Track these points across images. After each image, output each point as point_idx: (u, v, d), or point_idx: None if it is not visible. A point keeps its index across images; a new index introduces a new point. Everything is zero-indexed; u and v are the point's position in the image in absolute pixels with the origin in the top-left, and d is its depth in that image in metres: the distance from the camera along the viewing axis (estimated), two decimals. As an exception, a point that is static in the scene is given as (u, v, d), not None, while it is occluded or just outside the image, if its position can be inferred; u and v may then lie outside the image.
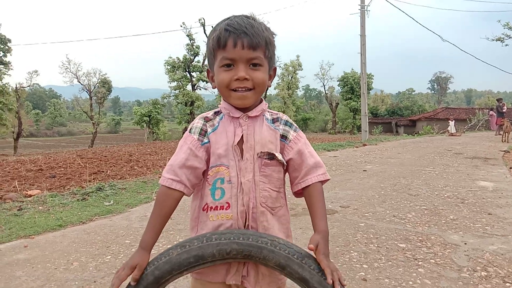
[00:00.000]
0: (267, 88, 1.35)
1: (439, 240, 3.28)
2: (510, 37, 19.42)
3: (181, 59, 37.43)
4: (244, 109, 1.26)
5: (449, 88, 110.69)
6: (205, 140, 1.25)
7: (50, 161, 14.43)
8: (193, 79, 38.42)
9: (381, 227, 3.59)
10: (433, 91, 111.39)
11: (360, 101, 23.22)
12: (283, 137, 1.30)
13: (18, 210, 4.09)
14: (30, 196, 4.74)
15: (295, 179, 1.31)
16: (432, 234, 3.43)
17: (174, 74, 37.23)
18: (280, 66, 48.15)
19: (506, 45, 19.25)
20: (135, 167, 12.21)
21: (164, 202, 1.23)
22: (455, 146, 12.39)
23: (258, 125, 1.28)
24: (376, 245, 3.11)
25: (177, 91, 37.68)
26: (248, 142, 1.24)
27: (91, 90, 42.31)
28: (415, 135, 24.96)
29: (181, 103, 37.60)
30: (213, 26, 1.26)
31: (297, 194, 1.33)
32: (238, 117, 1.26)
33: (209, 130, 1.26)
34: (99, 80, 43.09)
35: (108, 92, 45.36)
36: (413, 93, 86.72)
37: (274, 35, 1.28)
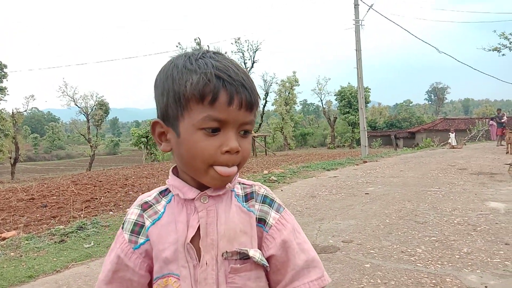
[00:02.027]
0: None
1: (456, 283, 2.89)
2: (506, 47, 19.29)
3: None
4: (201, 185, 0.84)
5: (446, 98, 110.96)
6: (141, 241, 0.85)
7: (43, 189, 14.06)
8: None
9: (389, 268, 3.20)
10: (430, 102, 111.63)
11: (358, 115, 22.99)
12: (261, 221, 0.88)
13: (-13, 258, 3.70)
14: (4, 239, 4.35)
15: (276, 285, 0.88)
16: (447, 275, 3.05)
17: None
18: (276, 83, 48.21)
19: (503, 54, 19.12)
20: (129, 192, 11.85)
21: None
22: (458, 160, 12.03)
23: (224, 207, 0.86)
24: (384, 294, 2.73)
25: (174, 111, 37.44)
26: (208, 236, 0.82)
27: (88, 113, 42.21)
28: (416, 148, 24.63)
29: (179, 123, 37.31)
30: (177, 63, 0.82)
31: None
32: (193, 199, 0.84)
33: (147, 223, 0.85)
34: (96, 102, 43.03)
35: (105, 114, 45.32)
36: (410, 104, 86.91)
37: None
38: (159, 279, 0.84)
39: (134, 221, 0.87)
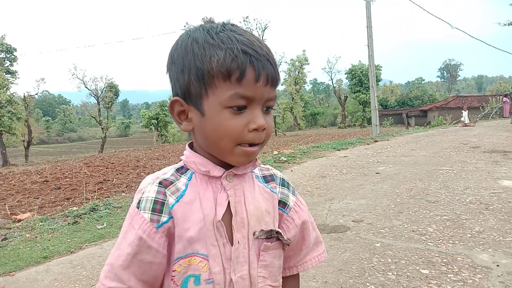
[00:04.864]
0: None
1: (467, 262, 2.88)
2: (522, 21, 18.73)
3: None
4: (223, 163, 0.83)
5: (459, 76, 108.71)
6: (164, 219, 0.79)
7: (56, 171, 14.32)
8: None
9: (400, 247, 3.20)
10: (443, 79, 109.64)
11: (369, 93, 22.74)
12: (282, 204, 0.91)
13: (3, 239, 3.78)
14: (20, 220, 4.44)
15: (289, 262, 0.94)
16: (458, 254, 3.04)
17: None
18: (286, 62, 47.80)
19: (519, 29, 18.56)
20: (141, 173, 12.01)
21: None
22: (471, 138, 11.87)
23: (248, 187, 0.86)
24: (395, 273, 2.73)
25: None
26: (238, 215, 0.82)
27: (99, 95, 42.45)
28: (427, 126, 24.36)
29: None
30: (196, 37, 0.79)
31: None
32: (220, 177, 0.83)
33: (171, 200, 0.80)
34: (106, 84, 43.20)
35: (115, 96, 45.55)
36: (422, 82, 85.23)
37: None
38: (181, 259, 0.81)
39: (153, 198, 0.80)
